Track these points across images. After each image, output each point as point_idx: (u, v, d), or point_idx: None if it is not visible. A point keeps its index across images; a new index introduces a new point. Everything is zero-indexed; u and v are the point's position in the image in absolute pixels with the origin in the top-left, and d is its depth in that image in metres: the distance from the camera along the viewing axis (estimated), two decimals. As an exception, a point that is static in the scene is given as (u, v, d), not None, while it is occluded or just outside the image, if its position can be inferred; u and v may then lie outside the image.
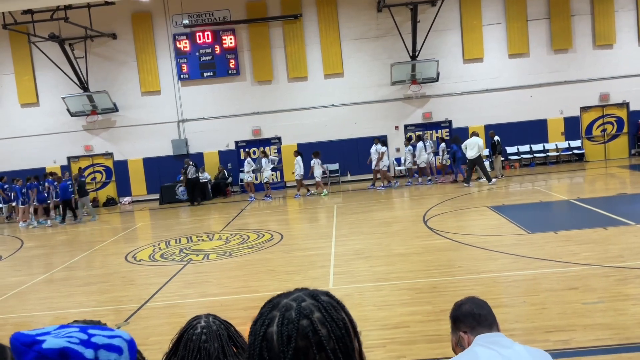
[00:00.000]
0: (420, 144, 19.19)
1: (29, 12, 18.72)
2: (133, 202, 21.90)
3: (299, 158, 18.81)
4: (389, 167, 19.86)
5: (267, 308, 1.12)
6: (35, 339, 1.04)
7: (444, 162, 19.69)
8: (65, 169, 21.66)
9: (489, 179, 17.64)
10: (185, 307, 7.95)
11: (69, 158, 22.22)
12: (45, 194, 18.67)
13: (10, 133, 21.90)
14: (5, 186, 19.86)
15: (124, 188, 22.06)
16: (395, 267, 8.96)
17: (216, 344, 1.58)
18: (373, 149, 19.07)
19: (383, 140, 19.44)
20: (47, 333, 1.07)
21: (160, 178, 21.13)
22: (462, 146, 17.77)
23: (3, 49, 21.73)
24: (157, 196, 21.23)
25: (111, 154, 22.23)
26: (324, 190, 19.04)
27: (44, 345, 1.03)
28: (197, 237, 13.37)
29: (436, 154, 20.00)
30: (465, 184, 17.65)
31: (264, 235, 12.71)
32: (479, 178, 18.52)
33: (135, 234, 15.34)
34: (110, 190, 22.35)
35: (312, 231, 13.33)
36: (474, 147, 17.32)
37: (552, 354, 2.59)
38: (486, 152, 18.94)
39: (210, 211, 18.19)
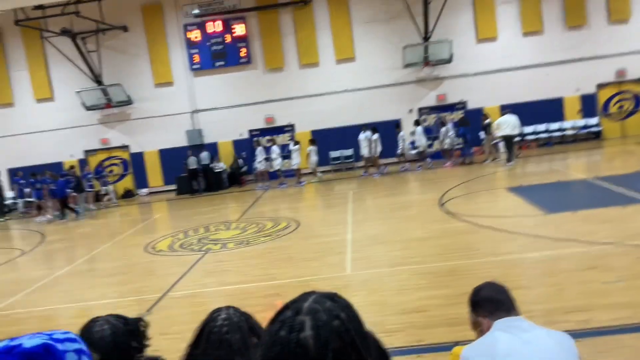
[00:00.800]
0: (419, 129, 19.03)
1: (40, 7, 18.85)
2: (150, 193, 22.08)
3: (312, 147, 18.95)
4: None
5: (290, 315, 1.10)
6: (12, 345, 1.13)
7: (445, 146, 19.32)
8: (83, 163, 21.89)
9: (511, 160, 17.29)
10: (206, 296, 8.04)
11: (85, 152, 22.45)
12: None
13: (26, 129, 22.15)
14: (22, 181, 20.09)
15: (141, 180, 22.26)
16: (412, 251, 8.96)
17: (237, 335, 1.61)
18: (362, 136, 19.05)
19: (374, 127, 19.27)
20: (18, 338, 1.17)
21: (176, 169, 21.25)
22: (495, 124, 17.64)
23: (16, 46, 21.92)
24: (173, 187, 21.39)
25: (127, 147, 22.41)
26: (319, 174, 19.18)
27: (25, 345, 1.13)
28: (214, 226, 13.47)
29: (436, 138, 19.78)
30: (509, 163, 17.13)
31: (280, 223, 12.77)
32: (494, 159, 18.43)
33: (154, 225, 15.49)
34: (128, 182, 22.56)
35: (328, 217, 13.36)
36: (508, 125, 17.15)
37: (572, 334, 2.59)
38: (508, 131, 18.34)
39: (226, 200, 18.29)
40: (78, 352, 1.22)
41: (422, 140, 19.12)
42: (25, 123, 22.18)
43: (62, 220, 17.77)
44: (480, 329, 2.63)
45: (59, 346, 1.18)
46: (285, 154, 19.88)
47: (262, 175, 19.70)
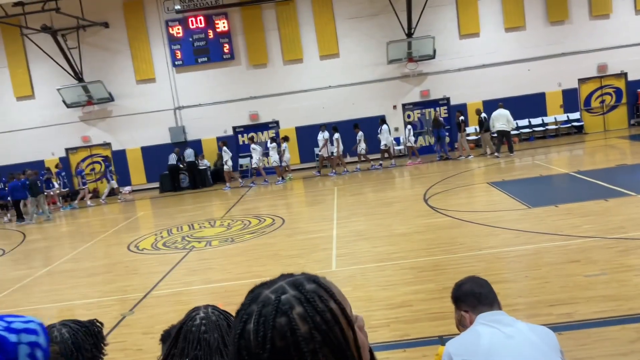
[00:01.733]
0: (385, 127, 19.16)
1: (20, 4, 18.57)
2: (133, 191, 21.89)
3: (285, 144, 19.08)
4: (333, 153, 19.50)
5: (247, 300, 1.04)
6: None
7: (408, 144, 19.72)
8: (64, 160, 21.63)
9: (512, 150, 18.20)
10: (190, 294, 7.99)
11: (67, 150, 22.18)
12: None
13: (7, 127, 21.82)
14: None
15: (124, 178, 22.01)
16: (397, 246, 8.98)
17: (216, 334, 1.58)
18: (320, 136, 19.30)
19: (335, 127, 19.34)
20: None
21: (160, 166, 21.07)
22: (491, 118, 18.16)
23: (-5, 43, 21.58)
24: (157, 185, 21.22)
25: (109, 144, 22.18)
26: (289, 175, 19.37)
27: None
28: (198, 224, 13.39)
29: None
30: (497, 155, 17.97)
31: (265, 220, 12.72)
32: (468, 155, 18.68)
33: (137, 223, 15.36)
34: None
35: (314, 214, 13.34)
36: (502, 119, 17.86)
37: (555, 328, 2.60)
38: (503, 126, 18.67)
39: (211, 198, 18.19)
40: (32, 345, 1.16)
41: (388, 139, 19.27)
42: (5, 121, 21.84)
43: (20, 222, 17.40)
44: (463, 325, 2.63)
45: (12, 337, 1.13)
46: (265, 151, 19.99)
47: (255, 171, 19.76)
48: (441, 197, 12.55)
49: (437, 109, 21.21)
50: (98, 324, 1.90)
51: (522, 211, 10.25)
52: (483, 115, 18.74)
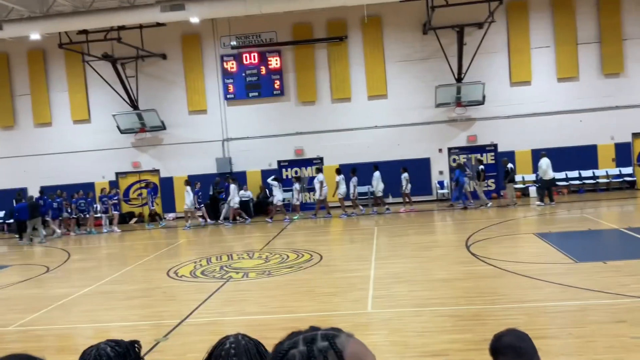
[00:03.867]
0: (377, 173, 19.07)
1: (84, 32, 19.47)
2: (177, 218, 22.25)
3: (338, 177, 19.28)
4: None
5: (278, 343, 1.11)
6: None
7: (406, 191, 19.31)
8: (113, 184, 22.25)
9: (542, 201, 18.11)
10: (224, 324, 7.97)
11: (117, 173, 22.83)
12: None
13: (62, 148, 22.68)
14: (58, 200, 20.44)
15: (169, 204, 22.46)
16: (436, 292, 8.78)
17: (244, 358, 1.62)
18: (315, 179, 19.36)
19: (353, 169, 19.57)
20: None
21: (204, 195, 21.39)
22: (539, 166, 18.31)
23: (58, 67, 22.64)
24: (199, 213, 21.49)
25: (157, 171, 22.73)
26: (297, 214, 19.49)
27: None
28: (237, 255, 13.46)
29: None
30: (540, 204, 17.97)
31: (303, 255, 12.69)
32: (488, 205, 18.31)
33: (178, 249, 15.56)
34: (156, 206, 22.75)
35: (352, 253, 13.24)
36: (540, 169, 18.16)
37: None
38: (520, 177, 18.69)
39: (251, 229, 18.31)
40: None
41: (379, 185, 19.15)
42: (61, 142, 22.72)
43: (22, 242, 18.56)
44: None
45: None
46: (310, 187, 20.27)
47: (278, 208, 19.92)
48: (484, 245, 12.28)
49: (484, 154, 20.94)
50: (137, 346, 1.92)
51: (568, 265, 9.92)
52: (510, 165, 18.66)
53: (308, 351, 1.03)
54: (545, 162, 18.10)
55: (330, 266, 11.42)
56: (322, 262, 11.76)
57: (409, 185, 19.18)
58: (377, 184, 19.24)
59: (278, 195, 19.59)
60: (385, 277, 10.01)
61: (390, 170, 20.06)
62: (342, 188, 19.25)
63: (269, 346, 1.87)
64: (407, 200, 19.44)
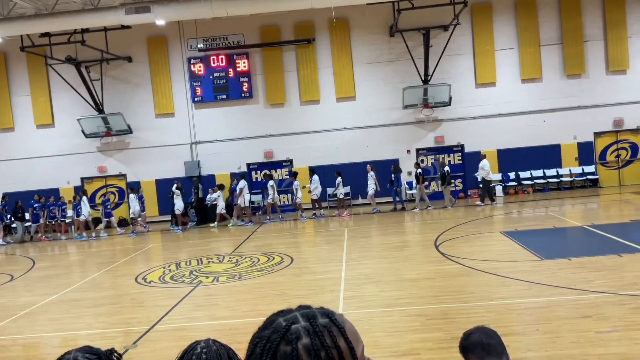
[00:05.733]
0: (315, 177, 19.37)
1: (47, 35, 19.07)
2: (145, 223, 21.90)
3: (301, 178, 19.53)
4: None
5: (262, 325, 1.08)
6: None
7: (340, 196, 19.64)
8: (79, 189, 21.83)
9: (483, 201, 18.79)
10: (194, 330, 7.90)
11: (82, 179, 22.41)
12: None
13: (25, 154, 22.17)
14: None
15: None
16: (405, 292, 8.87)
17: None
18: (268, 184, 19.48)
19: (242, 175, 20.15)
20: None
21: (172, 200, 21.13)
22: (480, 167, 18.75)
23: (20, 71, 22.12)
24: (169, 217, 21.25)
25: (124, 175, 22.39)
26: (232, 220, 19.56)
27: None
28: (207, 259, 13.35)
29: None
30: (489, 203, 18.54)
31: (274, 258, 12.66)
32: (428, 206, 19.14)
33: (147, 255, 15.35)
34: (123, 211, 22.44)
35: (323, 255, 13.27)
36: (487, 169, 18.63)
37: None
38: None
39: (221, 233, 18.19)
40: None
41: (317, 189, 19.41)
42: (24, 148, 22.21)
43: None
44: None
45: None
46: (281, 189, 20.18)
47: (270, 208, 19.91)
48: (453, 244, 12.45)
49: (451, 155, 21.24)
50: (116, 355, 1.85)
51: (534, 262, 10.12)
52: (446, 168, 19.16)
53: (313, 326, 1.02)
54: (485, 164, 18.66)
55: (301, 268, 11.42)
56: (293, 265, 11.75)
57: (343, 190, 19.50)
58: (317, 186, 19.39)
59: (178, 204, 19.52)
60: (356, 278, 10.05)
61: (360, 171, 20.21)
62: (318, 189, 19.38)
63: (240, 351, 1.87)
64: (343, 205, 19.68)
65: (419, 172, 19.18)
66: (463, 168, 21.12)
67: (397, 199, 19.52)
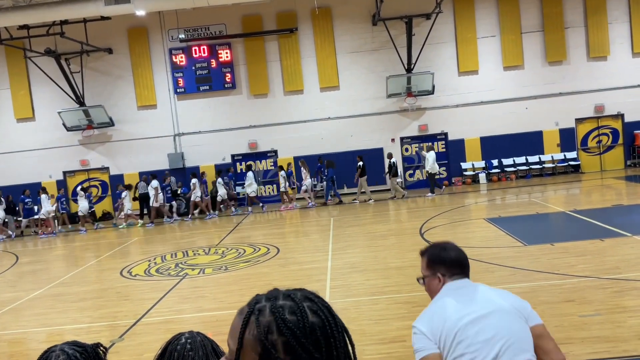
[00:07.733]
0: (250, 174, 19.42)
1: (25, 27, 18.78)
2: (129, 216, 21.73)
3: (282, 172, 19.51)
4: (201, 197, 19.50)
5: (253, 299, 1.19)
6: None
7: (281, 189, 19.77)
8: (61, 183, 21.61)
9: (433, 192, 19.00)
10: (181, 322, 7.89)
11: (64, 173, 22.17)
12: None
13: (6, 148, 21.86)
14: None
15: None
16: (391, 280, 8.92)
17: (200, 352, 1.63)
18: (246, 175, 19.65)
19: (220, 171, 20.20)
20: None
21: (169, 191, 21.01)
22: (427, 158, 18.94)
23: (-1, 64, 21.78)
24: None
25: (107, 168, 22.19)
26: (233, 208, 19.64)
27: None
28: (192, 251, 13.32)
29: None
30: (431, 195, 18.83)
31: (260, 248, 12.66)
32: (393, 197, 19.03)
33: (131, 248, 15.27)
34: (106, 204, 22.27)
35: (309, 244, 13.29)
36: (432, 161, 18.84)
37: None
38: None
39: (206, 225, 18.13)
40: None
41: (252, 185, 19.51)
42: (4, 142, 21.89)
43: None
44: (433, 290, 2.59)
45: None
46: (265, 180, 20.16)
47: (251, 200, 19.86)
48: (438, 231, 12.53)
49: (435, 143, 21.32)
50: (102, 348, 1.86)
51: (518, 248, 10.23)
52: (393, 160, 19.30)
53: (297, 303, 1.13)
54: (431, 155, 18.83)
55: (287, 259, 11.43)
56: (279, 255, 11.77)
57: (287, 184, 19.55)
58: (251, 182, 19.44)
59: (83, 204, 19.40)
60: (342, 267, 10.10)
61: (345, 161, 20.23)
62: (253, 185, 19.50)
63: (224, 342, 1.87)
64: (287, 198, 19.69)
65: (393, 162, 19.21)
66: (447, 156, 21.22)
67: (332, 192, 19.63)
